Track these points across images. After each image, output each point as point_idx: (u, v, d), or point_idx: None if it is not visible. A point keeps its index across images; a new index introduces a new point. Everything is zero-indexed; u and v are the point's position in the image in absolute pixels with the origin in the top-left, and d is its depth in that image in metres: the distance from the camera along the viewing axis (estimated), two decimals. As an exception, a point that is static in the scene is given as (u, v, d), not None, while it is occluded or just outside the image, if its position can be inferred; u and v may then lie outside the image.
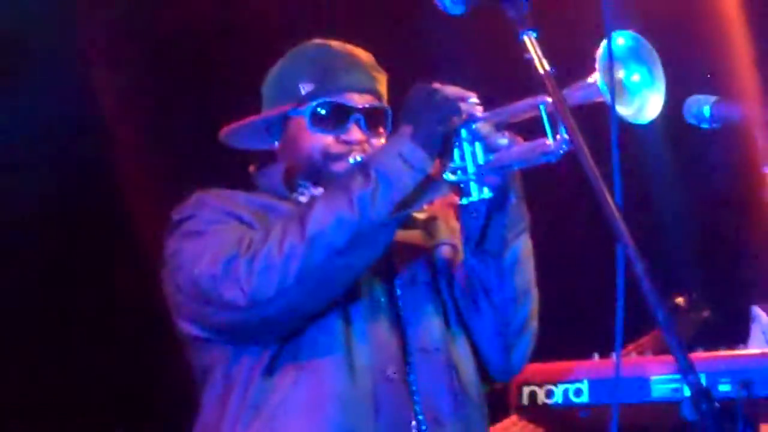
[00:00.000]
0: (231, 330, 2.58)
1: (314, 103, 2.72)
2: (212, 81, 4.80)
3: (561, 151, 2.35)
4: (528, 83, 2.25)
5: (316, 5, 4.14)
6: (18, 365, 5.10)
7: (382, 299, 2.66)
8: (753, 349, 3.41)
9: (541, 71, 2.20)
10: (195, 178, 2.78)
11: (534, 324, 2.74)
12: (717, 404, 2.02)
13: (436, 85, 2.52)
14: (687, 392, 2.04)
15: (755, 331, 3.72)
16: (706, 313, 4.19)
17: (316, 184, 2.73)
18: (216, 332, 2.61)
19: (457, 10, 2.38)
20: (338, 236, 2.45)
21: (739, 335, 3.42)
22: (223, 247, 2.53)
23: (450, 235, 2.81)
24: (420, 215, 2.80)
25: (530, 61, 2.21)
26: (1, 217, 4.93)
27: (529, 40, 2.22)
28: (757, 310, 3.79)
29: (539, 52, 2.22)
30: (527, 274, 2.70)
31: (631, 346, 3.84)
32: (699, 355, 3.31)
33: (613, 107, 2.21)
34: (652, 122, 2.48)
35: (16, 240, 4.98)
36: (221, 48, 4.82)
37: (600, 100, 2.26)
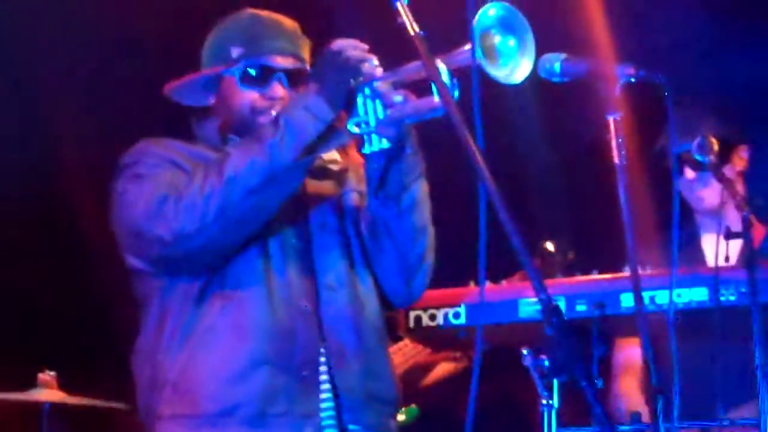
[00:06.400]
0: (162, 262, 2.90)
1: (243, 64, 3.02)
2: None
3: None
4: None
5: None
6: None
7: (296, 242, 2.98)
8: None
9: (412, 33, 2.45)
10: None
11: (431, 256, 3.07)
12: (566, 318, 2.25)
13: (341, 48, 2.79)
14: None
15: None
16: (570, 255, 4.62)
17: (243, 137, 2.97)
18: (151, 264, 2.93)
19: None
20: (252, 177, 2.77)
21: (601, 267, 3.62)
22: (158, 189, 2.84)
23: (358, 183, 3.11)
24: (333, 167, 3.11)
25: (403, 25, 2.46)
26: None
27: (402, 6, 2.47)
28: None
29: (410, 17, 2.46)
30: (423, 213, 3.03)
31: (506, 280, 4.24)
32: (558, 281, 3.56)
33: (474, 65, 2.47)
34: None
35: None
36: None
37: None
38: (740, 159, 4.21)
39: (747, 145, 4.23)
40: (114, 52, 5.13)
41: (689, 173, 4.14)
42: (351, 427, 2.94)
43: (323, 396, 2.92)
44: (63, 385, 4.64)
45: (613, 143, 2.97)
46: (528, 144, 5.37)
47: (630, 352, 4.18)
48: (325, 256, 3.00)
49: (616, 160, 2.96)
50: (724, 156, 3.96)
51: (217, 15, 3.14)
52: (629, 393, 4.25)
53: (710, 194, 4.17)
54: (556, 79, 3.06)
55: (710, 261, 4.01)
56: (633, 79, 3.02)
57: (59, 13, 4.99)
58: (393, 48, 2.67)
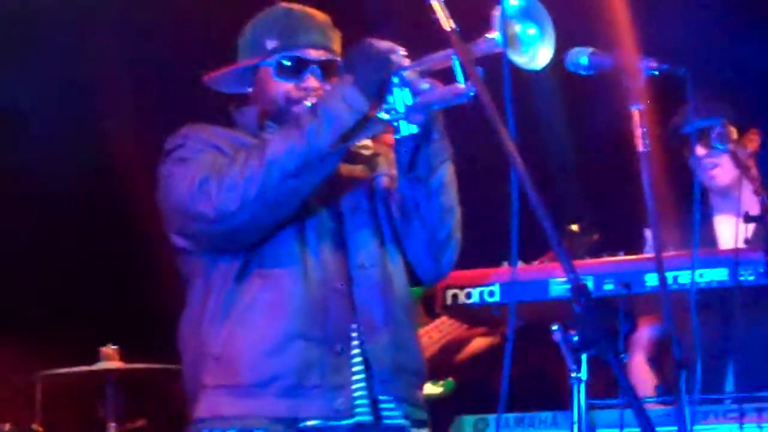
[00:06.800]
0: (205, 239, 3.04)
1: (278, 57, 3.16)
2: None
3: (471, 93, 2.75)
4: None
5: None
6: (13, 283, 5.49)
7: (330, 224, 3.10)
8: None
9: (447, 29, 2.60)
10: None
11: (458, 235, 3.18)
12: (594, 297, 2.34)
13: (371, 41, 2.93)
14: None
15: (647, 252, 4.08)
16: (595, 237, 4.67)
17: (280, 125, 3.11)
18: (194, 242, 3.08)
19: None
20: (290, 162, 2.90)
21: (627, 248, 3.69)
22: (202, 170, 2.98)
23: (388, 167, 3.23)
24: (365, 152, 3.23)
25: (438, 21, 2.61)
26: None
27: (437, 4, 2.63)
28: (648, 234, 4.22)
29: (445, 13, 2.60)
30: (451, 194, 3.13)
31: (537, 261, 4.22)
32: (587, 262, 3.63)
33: (505, 53, 2.63)
34: (548, 73, 2.82)
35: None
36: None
37: (499, 51, 2.67)
38: (751, 141, 4.25)
39: (758, 129, 4.29)
40: (158, 41, 5.35)
41: (700, 150, 4.18)
42: (381, 397, 3.05)
43: (355, 369, 3.04)
44: (125, 357, 4.90)
45: (637, 132, 3.07)
46: (555, 131, 5.50)
47: (640, 330, 4.31)
48: (356, 237, 3.12)
49: (640, 148, 3.06)
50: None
51: (254, 3, 3.30)
52: (638, 369, 4.37)
53: (721, 173, 4.25)
54: (583, 72, 3.16)
55: (722, 242, 4.17)
56: (656, 72, 3.12)
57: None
58: (421, 38, 2.83)
